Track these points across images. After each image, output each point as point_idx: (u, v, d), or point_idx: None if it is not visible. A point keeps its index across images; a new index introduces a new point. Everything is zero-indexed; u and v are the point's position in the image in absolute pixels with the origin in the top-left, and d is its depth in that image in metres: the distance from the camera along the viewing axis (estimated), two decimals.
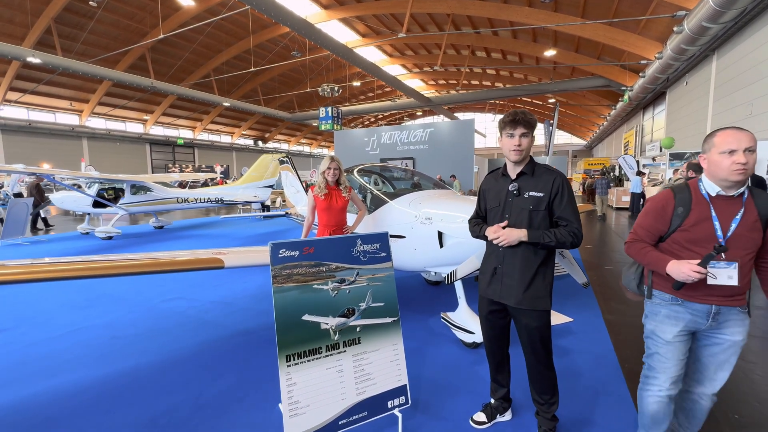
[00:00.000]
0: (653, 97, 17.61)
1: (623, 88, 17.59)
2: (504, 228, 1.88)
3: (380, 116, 41.58)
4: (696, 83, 13.09)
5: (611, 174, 20.58)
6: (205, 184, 21.95)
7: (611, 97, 23.23)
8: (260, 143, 41.62)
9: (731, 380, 2.68)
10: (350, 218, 3.68)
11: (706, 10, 8.61)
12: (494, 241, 1.91)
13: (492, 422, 2.20)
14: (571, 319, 3.62)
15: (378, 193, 3.99)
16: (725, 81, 10.83)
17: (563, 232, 1.82)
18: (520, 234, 1.83)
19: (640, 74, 14.73)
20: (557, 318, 3.57)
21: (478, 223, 2.08)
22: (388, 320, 2.20)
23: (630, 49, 14.40)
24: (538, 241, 1.82)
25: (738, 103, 9.98)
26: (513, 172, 1.96)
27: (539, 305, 1.90)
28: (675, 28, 10.36)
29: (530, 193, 1.88)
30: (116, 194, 10.28)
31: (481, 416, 2.21)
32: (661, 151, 15.25)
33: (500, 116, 1.90)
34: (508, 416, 2.25)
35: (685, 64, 12.27)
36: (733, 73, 10.38)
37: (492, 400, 2.25)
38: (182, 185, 17.22)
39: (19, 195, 12.09)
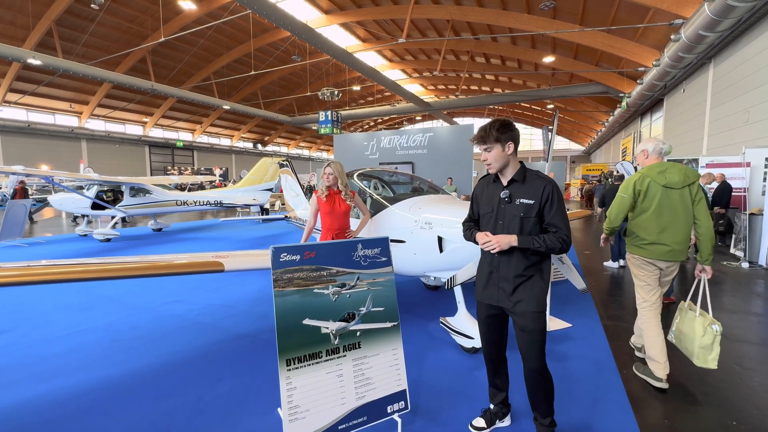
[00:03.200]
0: (651, 103, 17.73)
1: (621, 94, 17.71)
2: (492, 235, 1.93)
3: (380, 120, 41.70)
4: (693, 90, 13.20)
5: (609, 180, 20.67)
6: (201, 187, 21.87)
7: (609, 103, 23.39)
8: (260, 146, 41.66)
9: (729, 386, 2.70)
10: (354, 223, 3.70)
11: (703, 19, 8.70)
12: (485, 248, 1.95)
13: (491, 428, 2.21)
14: (570, 325, 3.63)
15: (378, 197, 4.00)
16: (722, 89, 10.92)
17: (552, 239, 1.86)
18: (510, 239, 1.87)
19: (638, 81, 14.84)
20: (556, 323, 3.58)
21: (470, 227, 2.14)
22: (388, 325, 2.21)
23: (628, 57, 14.52)
24: (528, 246, 1.87)
25: (735, 110, 10.06)
26: (504, 178, 2.01)
27: (534, 308, 1.93)
28: (672, 36, 10.46)
29: (521, 200, 1.92)
30: (115, 196, 10.28)
31: (480, 422, 2.22)
32: None
33: None
34: (507, 422, 2.25)
35: (683, 71, 12.37)
36: (729, 81, 10.47)
37: (491, 406, 2.25)
38: (182, 188, 17.18)
39: None
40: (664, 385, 2.62)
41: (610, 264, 6.45)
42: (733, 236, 7.47)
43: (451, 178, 11.79)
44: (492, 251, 1.92)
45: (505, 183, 2.00)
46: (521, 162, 2.01)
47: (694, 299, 2.71)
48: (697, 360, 2.57)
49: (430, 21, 18.66)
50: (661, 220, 2.62)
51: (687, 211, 2.62)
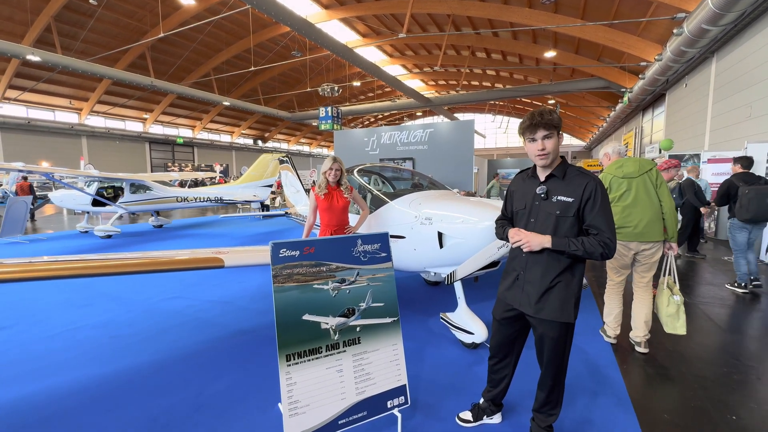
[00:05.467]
0: (653, 98, 17.61)
1: (623, 89, 17.59)
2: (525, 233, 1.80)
3: (380, 116, 41.54)
4: (695, 85, 13.11)
5: None
6: (202, 184, 21.83)
7: (611, 98, 23.25)
8: (260, 142, 41.57)
9: (728, 381, 2.70)
10: (353, 219, 3.69)
11: (706, 13, 8.62)
12: (515, 245, 1.81)
13: (478, 423, 2.20)
14: None
15: (378, 193, 3.99)
16: (724, 83, 10.84)
17: (592, 242, 1.68)
18: (543, 240, 1.72)
19: (640, 76, 14.73)
20: None
21: (503, 225, 2.01)
22: (388, 320, 2.20)
23: (630, 51, 14.41)
24: (563, 249, 1.70)
25: (737, 105, 9.99)
26: (542, 174, 1.86)
27: (558, 316, 1.78)
28: (675, 31, 10.37)
29: (559, 198, 1.76)
30: (115, 193, 10.28)
31: (467, 414, 2.22)
32: (660, 152, 15.27)
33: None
34: (497, 419, 2.23)
35: (685, 66, 12.27)
36: (732, 76, 10.39)
37: (481, 400, 2.24)
38: (182, 185, 17.16)
39: None
40: (613, 341, 3.30)
41: None
42: None
43: (497, 175, 11.60)
44: (523, 249, 1.77)
45: (542, 178, 1.84)
46: (562, 157, 1.86)
47: (665, 274, 3.09)
48: (667, 327, 2.93)
49: (430, 16, 18.53)
50: (625, 206, 2.99)
51: (650, 195, 2.95)
